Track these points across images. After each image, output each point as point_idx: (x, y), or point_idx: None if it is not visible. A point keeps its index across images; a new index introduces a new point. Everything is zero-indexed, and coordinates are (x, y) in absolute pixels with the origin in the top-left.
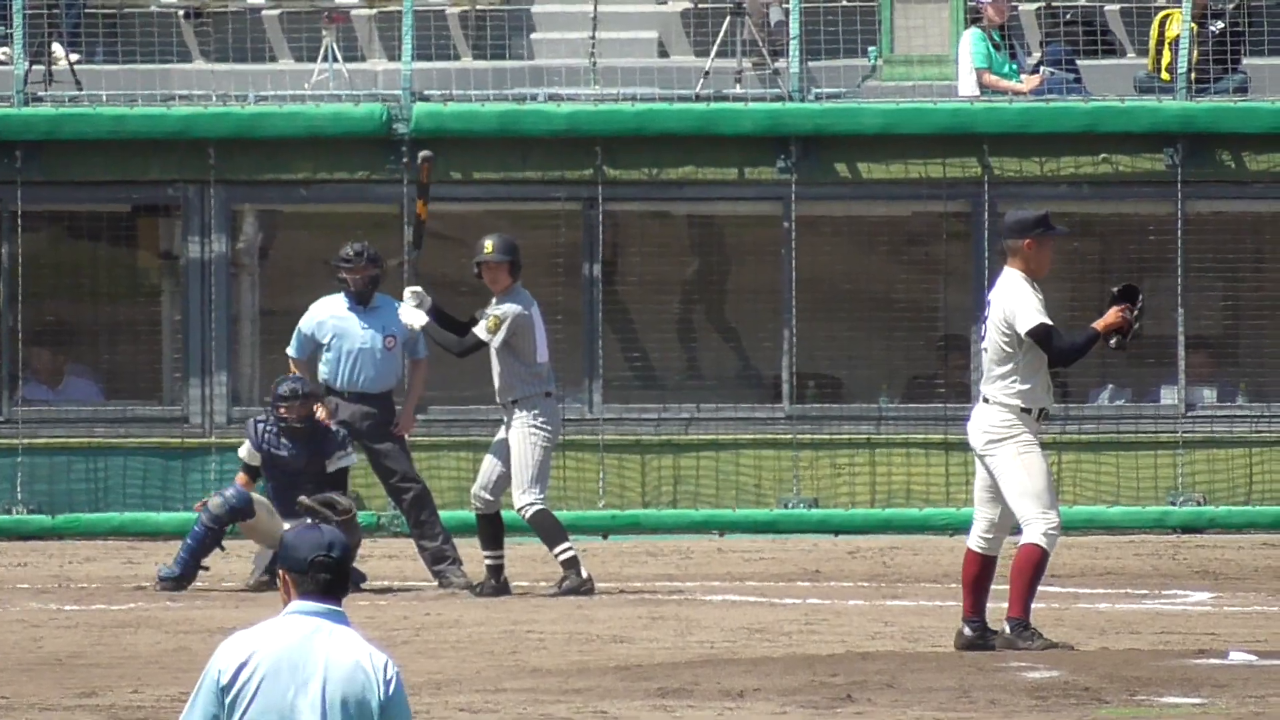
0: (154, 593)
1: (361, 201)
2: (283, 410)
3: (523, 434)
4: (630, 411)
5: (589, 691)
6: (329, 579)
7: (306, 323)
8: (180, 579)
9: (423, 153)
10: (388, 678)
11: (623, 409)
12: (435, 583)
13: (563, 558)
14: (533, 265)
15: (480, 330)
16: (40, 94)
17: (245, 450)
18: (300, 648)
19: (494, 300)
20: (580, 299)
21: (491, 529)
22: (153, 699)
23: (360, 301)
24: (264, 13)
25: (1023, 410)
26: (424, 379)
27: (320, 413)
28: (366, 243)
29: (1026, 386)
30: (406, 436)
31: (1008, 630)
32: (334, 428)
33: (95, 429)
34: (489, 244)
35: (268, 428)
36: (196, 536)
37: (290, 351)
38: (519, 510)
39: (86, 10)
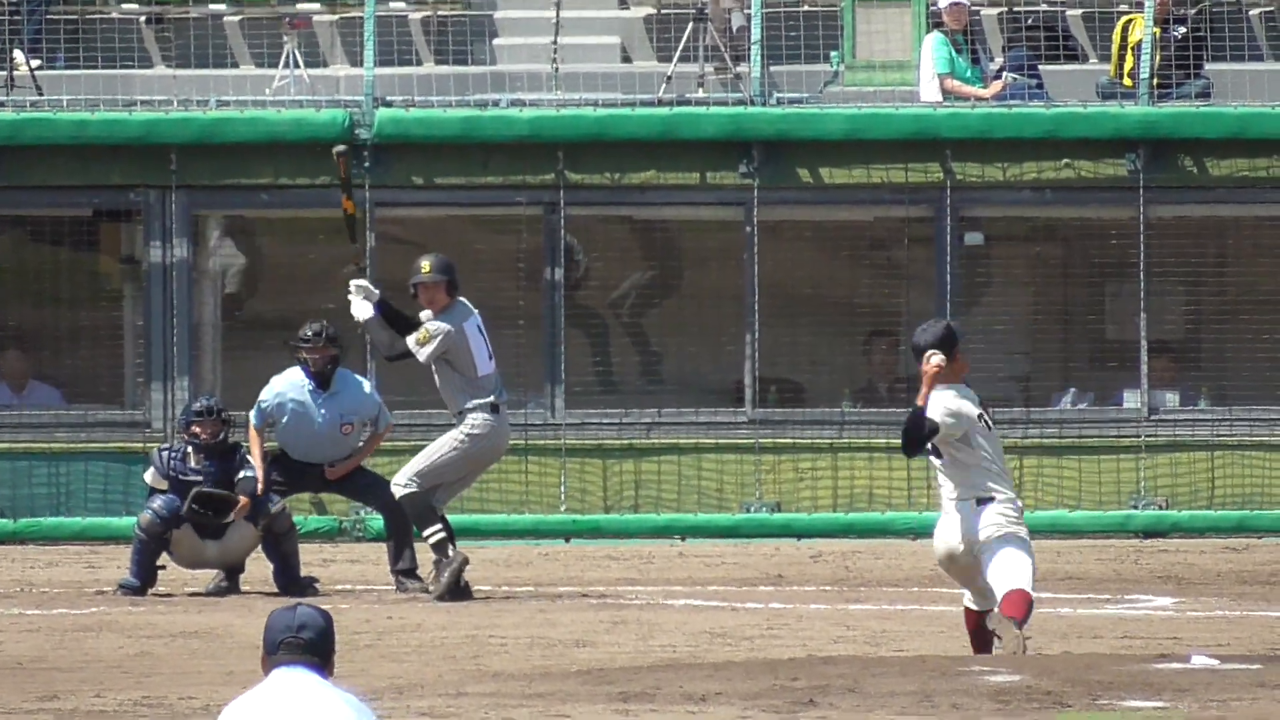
0: (116, 597)
1: (323, 207)
2: (196, 428)
3: (451, 435)
4: (592, 416)
5: (551, 696)
6: (300, 655)
7: (267, 397)
8: (142, 586)
9: (337, 148)
10: None
11: (584, 414)
12: (394, 587)
13: (432, 540)
14: (494, 270)
15: (410, 341)
16: (1, 99)
17: (150, 475)
18: (281, 696)
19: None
20: (541, 304)
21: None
22: (115, 703)
23: (320, 382)
24: (225, 18)
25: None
26: (377, 444)
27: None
28: (325, 322)
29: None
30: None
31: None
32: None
33: (57, 434)
34: (425, 264)
35: (173, 454)
36: (137, 547)
37: (252, 421)
38: (393, 488)
39: (48, 16)
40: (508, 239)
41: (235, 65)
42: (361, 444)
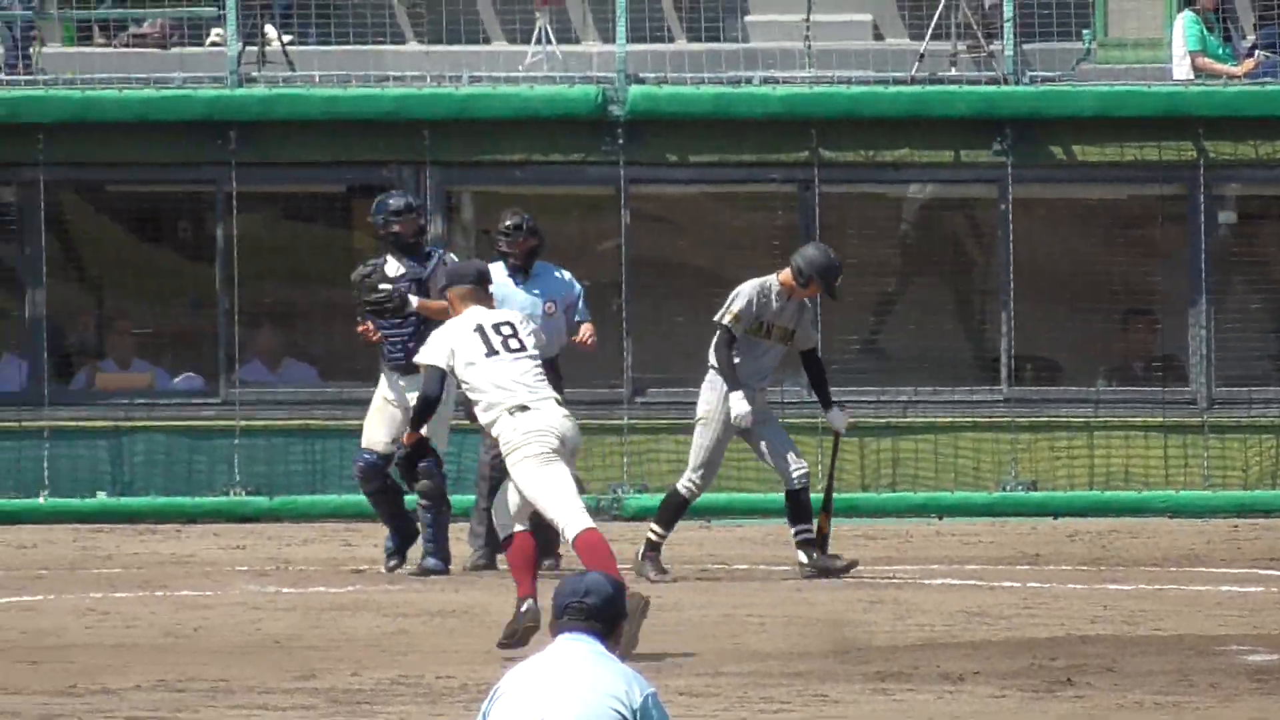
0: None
1: (576, 184)
2: (396, 227)
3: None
4: (849, 395)
5: (809, 675)
6: (582, 621)
7: None
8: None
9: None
10: (643, 694)
11: (841, 392)
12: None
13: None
14: (748, 248)
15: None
16: (253, 75)
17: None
18: (555, 663)
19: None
20: None
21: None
22: (371, 682)
23: (520, 271)
24: None
25: None
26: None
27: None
28: (526, 215)
29: None
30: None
31: None
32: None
33: (313, 411)
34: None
35: (374, 265)
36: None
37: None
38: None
39: None
40: (761, 216)
41: (487, 41)
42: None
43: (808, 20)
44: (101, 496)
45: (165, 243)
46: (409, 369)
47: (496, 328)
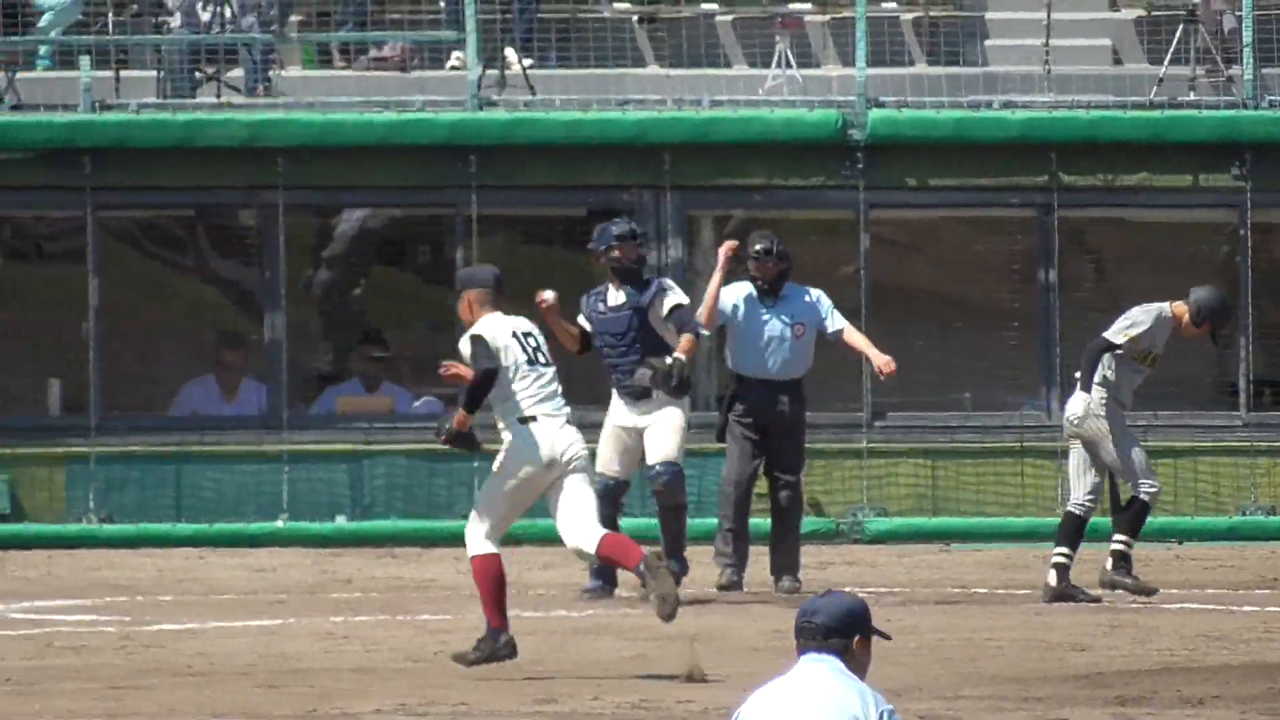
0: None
1: (815, 208)
2: (616, 252)
3: None
4: None
5: (1048, 699)
6: (816, 641)
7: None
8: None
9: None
10: (879, 711)
11: None
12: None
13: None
14: (987, 272)
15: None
16: (494, 98)
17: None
18: (795, 685)
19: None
20: (1035, 305)
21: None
22: (612, 706)
23: (769, 295)
24: (717, 18)
25: None
26: (859, 339)
27: None
28: (775, 238)
29: None
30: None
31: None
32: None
33: None
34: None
35: (595, 296)
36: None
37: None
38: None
39: (539, 15)
40: (999, 240)
41: (728, 65)
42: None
43: (1047, 45)
44: (341, 520)
45: (405, 266)
46: (640, 395)
47: (527, 336)
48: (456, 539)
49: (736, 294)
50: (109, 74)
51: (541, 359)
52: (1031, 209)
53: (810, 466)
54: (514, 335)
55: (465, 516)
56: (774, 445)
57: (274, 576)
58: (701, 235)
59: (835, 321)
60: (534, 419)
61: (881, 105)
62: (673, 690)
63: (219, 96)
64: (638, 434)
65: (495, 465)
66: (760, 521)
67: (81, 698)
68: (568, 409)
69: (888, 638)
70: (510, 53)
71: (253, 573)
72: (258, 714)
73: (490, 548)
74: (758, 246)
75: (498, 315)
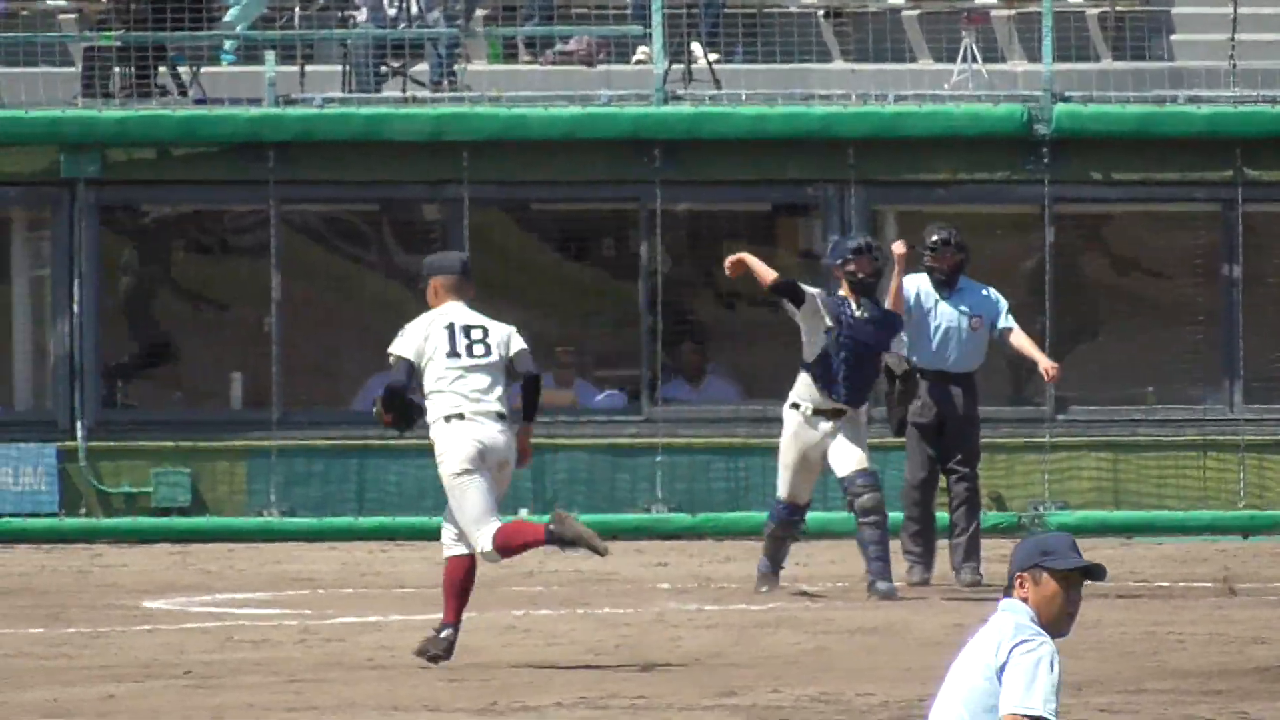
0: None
1: (1000, 202)
2: (851, 266)
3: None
4: (1271, 412)
5: (1229, 693)
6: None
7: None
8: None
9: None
10: (1010, 647)
11: (1263, 409)
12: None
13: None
14: (1171, 266)
15: None
16: (680, 93)
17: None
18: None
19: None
20: (1219, 300)
21: None
22: (791, 699)
23: (945, 286)
24: (904, 13)
25: None
26: (1026, 342)
27: None
28: (952, 229)
29: None
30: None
31: None
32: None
33: (735, 429)
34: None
35: (835, 299)
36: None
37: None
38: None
39: (725, 10)
40: (1184, 235)
41: (913, 60)
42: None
43: (1233, 39)
44: (524, 514)
45: (589, 261)
46: (855, 401)
47: (468, 330)
48: (639, 532)
49: (914, 285)
50: (294, 69)
51: (479, 350)
52: (1216, 204)
53: (993, 460)
54: (446, 328)
55: (647, 510)
56: (950, 439)
57: None
58: (886, 230)
59: (1007, 320)
60: (459, 416)
61: (1067, 100)
62: (851, 683)
63: (404, 91)
64: (821, 453)
65: (440, 471)
66: (942, 515)
67: (261, 691)
68: (499, 406)
69: (1061, 569)
70: (696, 47)
71: (434, 566)
72: (438, 707)
73: (458, 549)
74: (935, 237)
75: (449, 304)
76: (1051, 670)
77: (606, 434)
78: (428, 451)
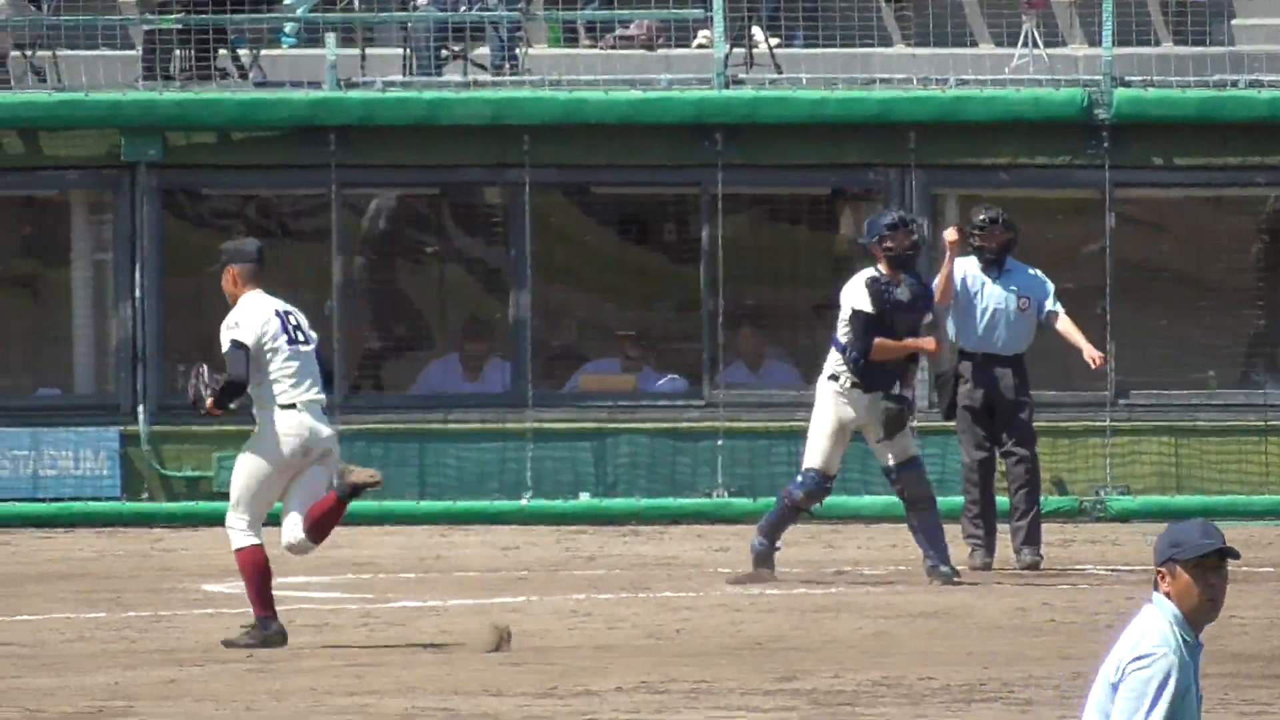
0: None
1: (1061, 187)
2: (889, 242)
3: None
4: None
5: None
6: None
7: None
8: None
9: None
10: (1126, 664)
11: None
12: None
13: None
14: (1234, 252)
15: None
16: (740, 76)
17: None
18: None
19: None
20: None
21: None
22: (853, 683)
23: (994, 265)
24: None
25: None
26: (1071, 328)
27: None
28: (1000, 210)
29: None
30: (1097, 363)
31: None
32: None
33: (795, 413)
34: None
35: (879, 282)
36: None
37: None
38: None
39: None
40: (1245, 220)
41: (974, 44)
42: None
43: None
44: (585, 498)
45: (650, 245)
46: (869, 387)
47: (288, 314)
48: (700, 517)
49: (961, 268)
50: (355, 52)
51: (302, 338)
52: (1277, 188)
53: (1054, 444)
54: (276, 314)
55: (708, 495)
56: (1003, 422)
57: (516, 554)
58: (947, 214)
59: (1054, 304)
60: (293, 406)
61: (1127, 84)
62: (913, 667)
63: (465, 75)
64: (856, 427)
65: (246, 451)
66: (1003, 500)
67: (322, 675)
68: (323, 395)
69: (1194, 558)
70: (757, 31)
71: (495, 550)
72: (499, 691)
73: (254, 539)
74: (982, 216)
75: (259, 293)
76: (1164, 689)
77: (667, 418)
78: (490, 435)
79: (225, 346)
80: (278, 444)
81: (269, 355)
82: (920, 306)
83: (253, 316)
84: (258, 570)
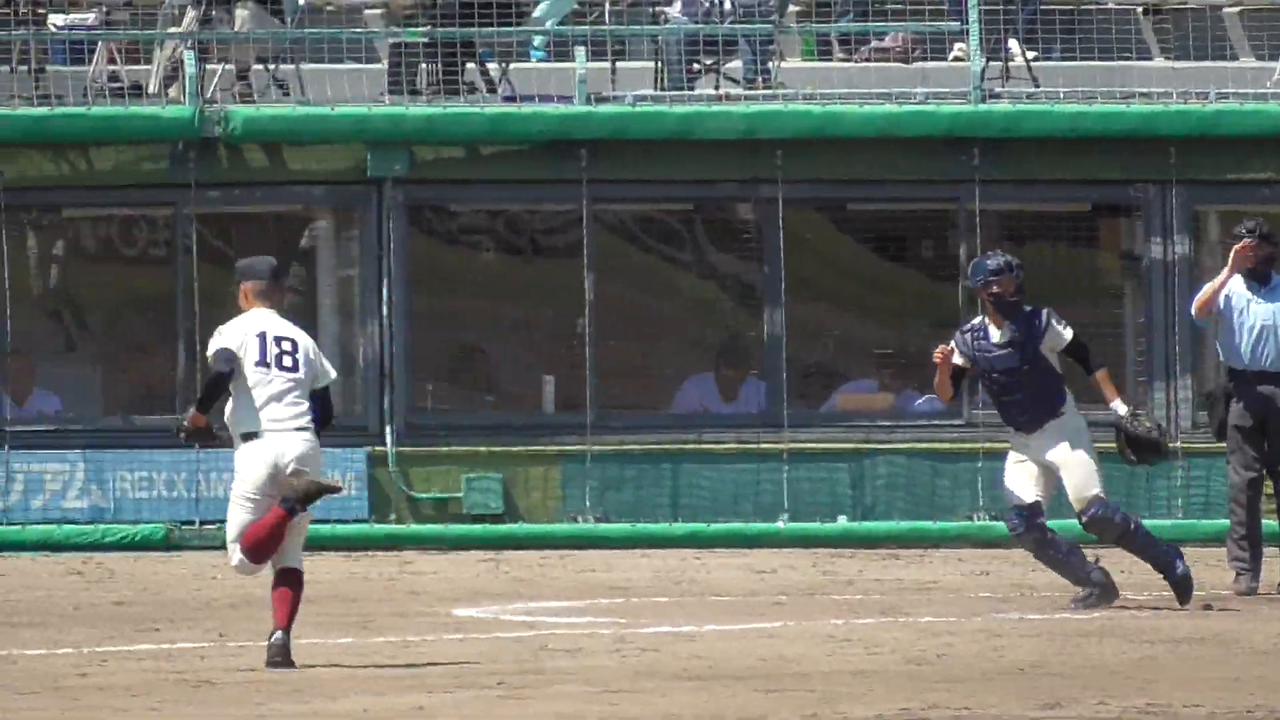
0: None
1: None
2: (995, 287)
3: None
4: None
5: None
6: None
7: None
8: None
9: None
10: None
11: None
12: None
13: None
14: None
15: None
16: (997, 90)
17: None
18: None
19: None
20: None
21: None
22: (1117, 710)
23: (1257, 279)
24: (1225, 10)
25: None
26: None
27: None
28: (1260, 220)
29: None
30: None
31: None
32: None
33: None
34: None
35: (974, 331)
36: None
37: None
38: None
39: (1043, 7)
40: None
41: (1234, 57)
42: None
43: None
44: (843, 520)
45: (906, 261)
46: (1031, 427)
47: (278, 340)
48: (961, 539)
49: (1226, 285)
50: (605, 65)
51: (289, 364)
52: None
53: None
54: (258, 336)
55: (969, 518)
56: (1274, 441)
57: (773, 578)
58: (1208, 231)
59: None
60: (254, 435)
61: None
62: (1179, 693)
63: (717, 89)
64: (1041, 464)
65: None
66: (1270, 523)
67: (575, 701)
68: (305, 418)
69: None
70: (1013, 44)
71: (751, 574)
72: (757, 718)
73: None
74: (1245, 227)
75: (260, 311)
76: None
77: (926, 439)
78: (745, 456)
79: (212, 345)
80: (246, 476)
81: (237, 378)
82: (1021, 351)
83: (233, 332)
84: (294, 587)
